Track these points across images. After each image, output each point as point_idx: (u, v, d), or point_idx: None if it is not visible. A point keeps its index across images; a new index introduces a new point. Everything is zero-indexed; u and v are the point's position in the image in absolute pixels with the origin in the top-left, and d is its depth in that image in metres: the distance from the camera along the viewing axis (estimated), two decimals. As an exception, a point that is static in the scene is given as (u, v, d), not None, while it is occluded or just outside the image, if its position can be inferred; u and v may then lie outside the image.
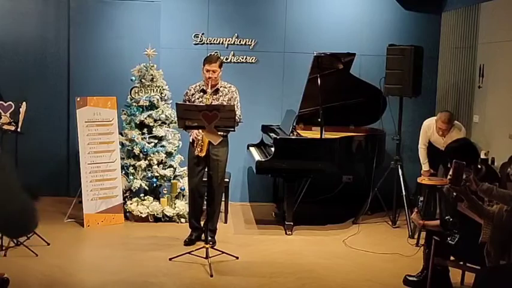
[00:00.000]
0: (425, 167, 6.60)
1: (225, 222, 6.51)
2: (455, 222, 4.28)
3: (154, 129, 6.56)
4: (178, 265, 5.16)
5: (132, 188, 6.51)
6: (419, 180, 6.32)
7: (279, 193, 7.22)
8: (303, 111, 6.68)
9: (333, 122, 6.69)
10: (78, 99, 6.38)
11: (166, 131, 6.62)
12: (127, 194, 6.56)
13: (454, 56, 7.19)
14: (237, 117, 5.37)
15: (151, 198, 6.54)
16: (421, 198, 6.05)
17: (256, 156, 6.59)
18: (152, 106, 6.58)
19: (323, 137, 6.25)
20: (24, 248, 5.29)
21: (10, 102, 5.43)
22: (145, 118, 6.54)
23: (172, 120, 6.57)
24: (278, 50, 7.41)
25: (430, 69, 7.29)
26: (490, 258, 3.95)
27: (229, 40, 7.35)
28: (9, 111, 5.40)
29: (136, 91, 6.61)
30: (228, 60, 7.16)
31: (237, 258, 5.35)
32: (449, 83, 7.32)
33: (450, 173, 3.95)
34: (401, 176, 6.52)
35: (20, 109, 5.41)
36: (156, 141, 6.57)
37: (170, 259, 5.25)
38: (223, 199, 6.15)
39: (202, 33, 7.31)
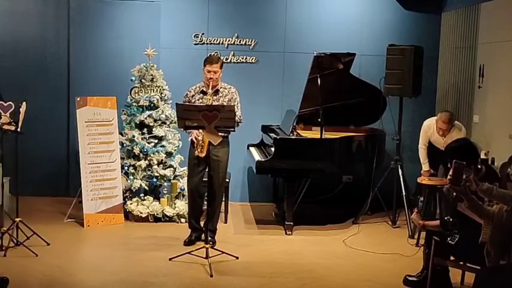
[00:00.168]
0: (425, 167, 6.60)
1: (225, 222, 6.51)
2: (455, 222, 4.28)
3: (154, 129, 6.56)
4: (178, 265, 5.16)
5: (132, 188, 6.51)
6: (419, 180, 6.32)
7: (279, 193, 7.22)
8: (303, 111, 6.69)
9: (333, 122, 6.69)
10: (78, 99, 6.39)
11: (166, 131, 6.63)
12: (127, 194, 6.56)
13: (454, 56, 7.19)
14: (237, 118, 5.37)
15: (151, 198, 6.54)
16: (421, 198, 6.05)
17: (256, 156, 6.59)
18: (152, 106, 6.58)
19: (323, 137, 6.25)
20: (24, 248, 5.30)
21: (10, 102, 5.43)
22: (145, 118, 6.54)
23: (172, 120, 6.57)
24: (278, 50, 7.42)
25: (430, 69, 7.29)
26: (490, 258, 3.95)
27: (229, 40, 7.35)
28: (9, 111, 5.39)
29: (136, 91, 6.61)
30: (228, 61, 7.16)
31: (237, 258, 5.35)
32: (449, 83, 7.32)
33: (450, 173, 3.95)
34: (401, 176, 6.52)
35: (20, 109, 5.41)
36: (156, 141, 6.57)
37: (170, 259, 5.25)
38: (223, 199, 6.15)
39: (202, 33, 7.32)
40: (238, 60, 7.36)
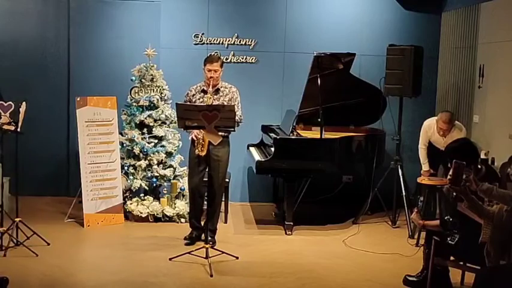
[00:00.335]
0: (425, 167, 6.60)
1: (225, 222, 6.51)
2: (455, 222, 4.28)
3: (154, 129, 6.56)
4: (178, 265, 5.16)
5: (132, 188, 6.51)
6: (419, 180, 6.33)
7: (279, 193, 7.22)
8: (303, 111, 6.69)
9: (333, 122, 6.69)
10: (78, 99, 6.39)
11: (166, 131, 6.63)
12: (127, 194, 6.56)
13: (454, 56, 7.19)
14: (237, 118, 5.37)
15: (151, 198, 6.54)
16: (421, 198, 6.05)
17: (256, 156, 6.59)
18: (152, 106, 6.58)
19: (323, 137, 6.25)
20: (24, 248, 5.30)
21: (10, 102, 5.43)
22: (145, 118, 6.54)
23: (172, 120, 6.57)
24: (278, 50, 7.42)
25: (430, 69, 7.29)
26: (490, 258, 3.95)
27: (229, 40, 7.35)
28: (9, 111, 5.39)
29: (136, 91, 6.61)
30: (228, 60, 7.16)
31: (237, 258, 5.35)
32: (449, 83, 7.32)
33: (450, 173, 3.95)
34: (401, 176, 6.52)
35: (20, 109, 5.41)
36: (156, 141, 6.57)
37: (170, 259, 5.25)
38: (223, 199, 6.16)
39: (202, 33, 7.32)
40: (238, 60, 7.36)
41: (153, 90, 6.59)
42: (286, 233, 6.20)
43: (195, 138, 5.59)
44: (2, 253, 5.22)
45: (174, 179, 6.61)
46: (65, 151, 7.34)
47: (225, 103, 5.52)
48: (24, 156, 5.88)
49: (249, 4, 7.37)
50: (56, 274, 4.89)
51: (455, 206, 4.20)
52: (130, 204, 6.48)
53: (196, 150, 5.58)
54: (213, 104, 5.43)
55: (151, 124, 6.56)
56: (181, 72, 7.03)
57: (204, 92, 5.64)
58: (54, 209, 6.79)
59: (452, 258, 4.51)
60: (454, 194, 4.10)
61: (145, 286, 4.73)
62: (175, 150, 6.69)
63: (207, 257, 5.12)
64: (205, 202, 5.83)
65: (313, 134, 6.70)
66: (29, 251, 5.25)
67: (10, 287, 4.50)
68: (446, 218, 4.36)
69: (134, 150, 6.53)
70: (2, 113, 5.36)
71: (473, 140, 6.10)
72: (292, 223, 6.20)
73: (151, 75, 6.59)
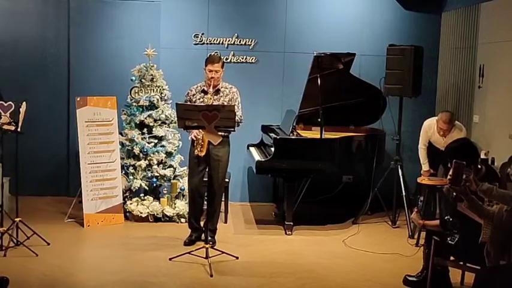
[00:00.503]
0: (425, 167, 6.60)
1: (225, 222, 6.51)
2: (455, 222, 4.28)
3: (154, 129, 6.56)
4: (178, 265, 5.16)
5: (132, 188, 6.51)
6: (419, 180, 6.32)
7: (279, 193, 7.22)
8: (303, 111, 6.69)
9: (333, 122, 6.69)
10: (78, 99, 6.39)
11: (166, 131, 6.63)
12: (127, 194, 6.56)
13: (454, 56, 7.19)
14: (237, 118, 5.37)
15: (151, 198, 6.54)
16: (421, 198, 6.05)
17: (256, 156, 6.59)
18: (152, 106, 6.58)
19: (323, 137, 6.25)
20: (24, 248, 5.30)
21: (10, 102, 5.43)
22: (145, 118, 6.54)
23: (172, 120, 6.57)
24: (278, 50, 7.42)
25: (430, 69, 7.29)
26: (490, 258, 3.95)
27: (229, 40, 7.35)
28: (9, 111, 5.39)
29: (136, 91, 6.61)
30: (228, 60, 7.16)
31: (237, 258, 5.35)
32: (449, 83, 7.32)
33: (450, 173, 3.95)
34: (401, 176, 6.52)
35: (20, 109, 5.41)
36: (156, 141, 6.57)
37: (170, 259, 5.25)
38: (223, 199, 6.16)
39: (202, 33, 7.32)
40: (238, 60, 7.36)
41: (153, 90, 6.59)
42: (286, 233, 6.20)
43: (194, 138, 5.59)
44: (2, 253, 5.22)
45: (174, 179, 6.61)
46: (65, 151, 7.34)
47: (225, 103, 5.52)
48: (24, 156, 5.87)
49: (249, 4, 7.37)
50: (56, 274, 4.89)
51: (455, 206, 4.20)
52: (130, 204, 6.48)
53: (196, 151, 5.58)
54: (213, 104, 5.43)
55: (151, 124, 6.56)
56: (181, 72, 7.03)
57: (205, 92, 5.64)
58: (54, 209, 6.79)
59: (452, 258, 4.51)
60: (454, 194, 4.10)
61: (145, 286, 4.73)
62: (175, 150, 6.69)
63: (207, 257, 5.12)
64: (205, 202, 5.82)
65: (313, 134, 6.70)
66: (29, 251, 5.25)
67: (10, 287, 4.50)
68: (446, 218, 4.36)
69: (134, 150, 6.53)
70: (2, 113, 5.36)
71: (473, 140, 6.10)
72: (292, 223, 6.20)
73: (151, 75, 6.59)
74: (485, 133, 6.51)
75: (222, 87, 5.68)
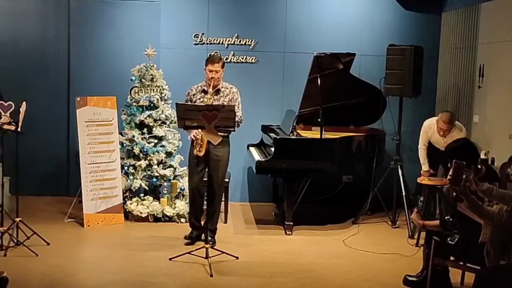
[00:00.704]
0: (425, 167, 6.59)
1: (225, 222, 6.51)
2: (455, 222, 4.28)
3: (154, 129, 6.56)
4: (178, 265, 5.16)
5: (132, 188, 6.51)
6: (419, 180, 6.32)
7: (279, 193, 7.22)
8: (303, 111, 6.69)
9: (333, 122, 6.69)
10: (78, 99, 6.39)
11: (166, 131, 6.63)
12: (127, 194, 6.56)
13: (454, 56, 7.19)
14: (237, 118, 5.37)
15: (151, 198, 6.54)
16: (421, 198, 6.06)
17: (256, 156, 6.59)
18: (152, 106, 6.58)
19: (323, 137, 6.25)
20: (24, 248, 5.30)
21: (10, 102, 5.43)
22: (145, 118, 6.54)
23: (172, 120, 6.57)
24: (278, 50, 7.42)
25: (430, 69, 7.29)
26: (490, 258, 3.95)
27: (229, 40, 7.35)
28: (9, 111, 5.39)
29: (136, 91, 6.61)
30: (228, 60, 7.16)
31: (237, 258, 5.36)
32: (449, 83, 7.32)
33: (450, 173, 3.95)
34: (401, 176, 6.53)
35: (20, 109, 5.41)
36: (156, 141, 6.57)
37: (170, 259, 5.25)
38: (223, 199, 6.16)
39: (202, 33, 7.32)
40: (238, 60, 7.36)
41: (153, 90, 6.59)
42: (286, 233, 6.20)
43: (193, 138, 5.59)
44: (2, 253, 5.22)
45: (174, 179, 6.61)
46: (65, 151, 7.34)
47: (225, 103, 5.52)
48: (24, 156, 5.87)
49: (249, 4, 7.37)
50: (56, 274, 4.89)
51: (455, 206, 4.20)
52: (130, 204, 6.48)
53: (195, 151, 5.58)
54: (213, 104, 5.43)
55: (151, 124, 6.56)
56: (181, 72, 7.03)
57: (205, 92, 5.64)
58: (54, 209, 6.79)
59: (452, 258, 4.51)
60: (454, 194, 4.10)
61: (145, 286, 4.73)
62: (175, 150, 6.69)
63: (207, 257, 5.12)
64: (205, 202, 5.83)
65: (313, 134, 6.70)
66: (29, 250, 5.25)
67: (10, 287, 4.50)
68: (446, 218, 4.36)
69: (134, 150, 6.53)
70: (2, 113, 5.36)
71: (473, 140, 6.10)
72: (292, 223, 6.20)
73: (151, 75, 6.59)
74: (485, 133, 6.51)
75: (222, 87, 5.68)
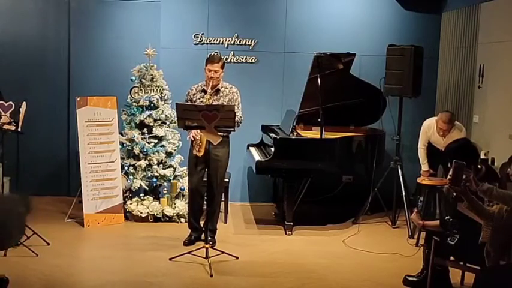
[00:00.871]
0: (424, 167, 6.59)
1: (225, 222, 6.51)
2: (455, 222, 4.28)
3: (154, 129, 6.56)
4: (178, 265, 5.16)
5: (132, 188, 6.51)
6: (419, 180, 6.33)
7: (279, 193, 7.22)
8: (303, 111, 6.68)
9: (333, 122, 6.69)
10: (78, 99, 6.39)
11: (166, 131, 6.63)
12: (127, 194, 6.56)
13: (454, 56, 7.19)
14: (237, 118, 5.37)
15: (151, 198, 6.54)
16: (421, 199, 6.05)
17: (256, 156, 6.59)
18: (152, 106, 6.58)
19: (323, 137, 6.25)
20: (24, 248, 5.29)
21: (10, 102, 5.44)
22: (145, 118, 6.54)
23: (172, 120, 6.57)
24: (278, 50, 7.42)
25: (430, 69, 7.29)
26: (490, 258, 3.95)
27: (229, 40, 7.35)
28: (10, 111, 5.40)
29: (136, 91, 6.61)
30: (228, 60, 7.16)
31: (237, 258, 5.36)
32: (449, 83, 7.32)
33: (450, 173, 3.95)
34: (401, 176, 6.53)
35: (20, 109, 5.42)
36: (156, 141, 6.57)
37: (170, 259, 5.25)
38: (223, 199, 6.16)
39: (202, 33, 7.32)
40: (238, 60, 7.36)
41: (153, 90, 6.59)
42: (286, 233, 6.20)
43: (192, 139, 5.59)
44: (2, 253, 5.21)
45: (174, 179, 6.61)
46: (65, 151, 7.34)
47: (225, 103, 5.52)
48: (24, 156, 5.88)
49: (249, 4, 7.37)
50: (56, 274, 4.89)
51: (455, 206, 4.21)
52: (131, 204, 6.48)
53: (194, 151, 5.58)
54: (213, 104, 5.43)
55: (151, 124, 6.56)
56: (181, 72, 7.03)
57: (205, 91, 5.64)
58: (54, 209, 6.79)
59: (452, 258, 4.51)
60: (454, 194, 4.10)
61: (145, 286, 4.73)
62: (175, 150, 6.69)
63: (207, 257, 5.12)
64: (205, 202, 5.83)
65: (313, 134, 6.70)
66: (29, 250, 5.25)
67: (10, 287, 4.50)
68: (446, 218, 4.36)
69: (134, 150, 6.53)
70: (3, 113, 5.36)
71: (473, 140, 6.10)
72: (292, 223, 6.20)
73: (151, 75, 6.60)
74: (485, 133, 6.51)
75: (222, 87, 5.68)
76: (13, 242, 1.93)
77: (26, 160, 6.26)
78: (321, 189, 7.18)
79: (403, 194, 6.45)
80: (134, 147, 6.52)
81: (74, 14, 7.21)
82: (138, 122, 6.57)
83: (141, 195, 6.57)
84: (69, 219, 6.40)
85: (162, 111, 6.58)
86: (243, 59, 7.38)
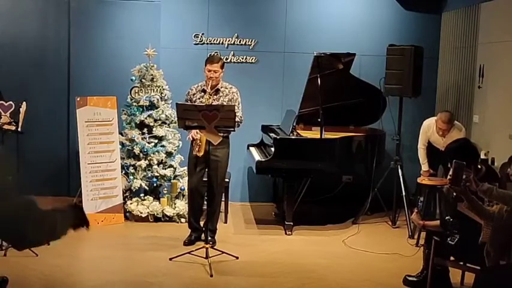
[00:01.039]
0: (424, 167, 6.59)
1: (225, 222, 6.51)
2: (456, 222, 4.28)
3: (154, 129, 6.57)
4: (179, 265, 5.17)
5: (132, 187, 6.51)
6: (419, 180, 6.32)
7: (279, 193, 7.22)
8: (303, 111, 6.68)
9: (333, 122, 6.69)
10: (78, 99, 6.39)
11: (166, 131, 6.63)
12: (127, 194, 6.56)
13: (454, 56, 7.19)
14: (237, 118, 5.37)
15: (151, 198, 6.54)
16: (421, 199, 6.05)
17: (256, 156, 6.59)
18: (152, 106, 6.58)
19: (323, 137, 6.25)
20: (24, 248, 5.29)
21: (10, 102, 5.44)
22: (146, 118, 6.54)
23: (172, 120, 6.58)
24: (278, 50, 7.42)
25: (430, 69, 7.29)
26: (490, 258, 3.95)
27: (229, 40, 7.35)
28: (10, 111, 5.40)
29: (136, 91, 6.61)
30: (228, 60, 7.16)
31: (237, 258, 5.36)
32: (449, 83, 7.32)
33: (450, 173, 3.95)
34: (401, 176, 6.53)
35: (20, 109, 5.42)
36: (156, 141, 6.58)
37: (170, 259, 5.25)
38: (223, 199, 6.16)
39: (202, 33, 7.32)
40: (238, 60, 7.36)
41: (153, 90, 6.60)
42: (286, 233, 6.20)
43: (191, 139, 5.59)
44: (2, 253, 5.21)
45: (174, 179, 6.61)
46: (65, 151, 7.33)
47: (225, 103, 5.52)
48: (24, 156, 5.87)
49: (249, 4, 7.37)
50: (55, 274, 4.89)
51: (455, 206, 4.21)
52: (131, 204, 6.48)
53: (194, 151, 5.58)
54: (213, 104, 5.43)
55: (151, 124, 6.56)
56: (181, 72, 7.03)
57: (204, 91, 5.64)
58: (54, 209, 6.78)
59: (452, 258, 4.51)
60: (454, 194, 4.10)
61: (145, 286, 4.73)
62: (175, 150, 6.69)
63: (207, 257, 5.12)
64: (205, 202, 5.83)
65: (313, 134, 6.70)
66: (29, 250, 5.24)
67: (10, 287, 4.50)
68: (446, 218, 4.36)
69: (134, 150, 6.53)
70: (3, 113, 5.37)
71: (473, 140, 6.10)
72: (292, 223, 6.20)
73: (152, 75, 6.60)
74: (485, 133, 6.51)
75: (221, 87, 5.68)
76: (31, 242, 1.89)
77: (26, 160, 6.25)
78: (321, 189, 7.18)
79: (403, 194, 6.45)
80: (134, 147, 6.52)
81: (74, 14, 7.20)
82: (138, 122, 6.57)
83: (141, 195, 6.57)
84: (69, 219, 6.39)
85: (162, 111, 6.58)
86: (243, 59, 7.38)
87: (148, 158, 6.52)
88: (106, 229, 6.23)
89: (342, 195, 7.23)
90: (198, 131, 5.39)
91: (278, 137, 6.32)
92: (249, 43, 7.37)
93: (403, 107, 6.69)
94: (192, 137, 5.57)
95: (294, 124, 6.54)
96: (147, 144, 6.52)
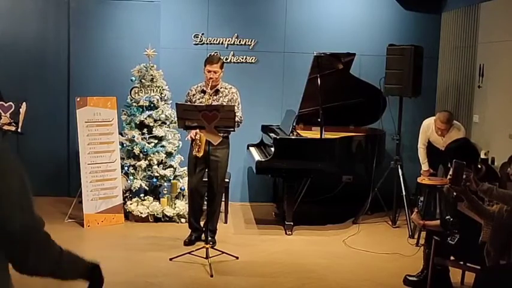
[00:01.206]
0: (424, 166, 6.60)
1: (225, 222, 6.51)
2: (456, 222, 4.28)
3: (154, 129, 6.56)
4: (179, 265, 5.17)
5: (132, 188, 6.51)
6: (419, 180, 6.32)
7: (279, 193, 7.22)
8: (303, 111, 6.68)
9: (333, 122, 6.69)
10: (78, 99, 6.39)
11: (166, 131, 6.63)
12: (127, 194, 6.56)
13: (454, 55, 7.19)
14: (237, 118, 5.37)
15: (151, 198, 6.54)
16: (421, 198, 6.05)
17: (256, 156, 6.59)
18: (152, 106, 6.58)
19: (323, 137, 6.25)
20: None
21: (10, 103, 5.44)
22: (145, 118, 6.54)
23: (172, 120, 6.57)
24: (278, 50, 7.42)
25: (430, 69, 7.29)
26: (490, 258, 3.95)
27: (229, 40, 7.35)
28: (10, 112, 5.41)
29: (136, 91, 6.61)
30: (228, 61, 7.16)
31: (237, 258, 5.36)
32: (449, 83, 7.32)
33: (450, 173, 3.95)
34: (401, 176, 6.52)
35: (20, 109, 5.43)
36: (156, 141, 6.57)
37: (170, 259, 5.25)
38: (223, 199, 6.16)
39: (202, 33, 7.32)
40: (238, 60, 7.36)
41: (153, 90, 6.59)
42: (286, 233, 6.20)
43: (190, 139, 5.59)
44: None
45: (174, 179, 6.61)
46: (65, 151, 7.34)
47: (224, 104, 5.52)
48: (24, 156, 5.87)
49: (248, 4, 7.37)
50: (56, 274, 4.88)
51: (455, 206, 4.21)
52: (131, 204, 6.48)
53: (194, 151, 5.58)
54: (212, 104, 5.43)
55: (151, 124, 6.56)
56: (181, 72, 7.03)
57: (204, 92, 5.64)
58: (54, 209, 6.78)
59: (452, 258, 4.51)
60: (454, 194, 4.10)
61: (145, 286, 4.73)
62: (175, 150, 6.69)
63: (207, 257, 5.13)
64: (205, 202, 5.83)
65: (313, 134, 6.70)
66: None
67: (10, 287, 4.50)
68: (446, 218, 4.36)
69: (134, 151, 6.53)
70: (3, 114, 5.37)
71: (473, 140, 6.10)
72: (292, 223, 6.20)
73: (151, 75, 6.59)
74: (485, 133, 6.51)
75: (221, 88, 5.68)
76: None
77: (26, 160, 6.23)
78: (321, 189, 7.18)
79: (403, 193, 6.45)
80: (134, 148, 6.52)
81: (74, 14, 7.21)
82: (138, 122, 6.57)
83: (141, 195, 6.57)
84: (69, 220, 6.40)
85: (162, 111, 6.58)
86: (242, 59, 7.38)
87: (148, 158, 6.52)
88: (106, 229, 6.23)
89: (342, 195, 7.23)
90: (198, 131, 5.39)
91: (278, 137, 6.32)
92: (249, 43, 7.37)
93: (403, 106, 6.69)
94: (191, 137, 5.57)
95: (294, 124, 6.55)
96: (147, 144, 6.52)
